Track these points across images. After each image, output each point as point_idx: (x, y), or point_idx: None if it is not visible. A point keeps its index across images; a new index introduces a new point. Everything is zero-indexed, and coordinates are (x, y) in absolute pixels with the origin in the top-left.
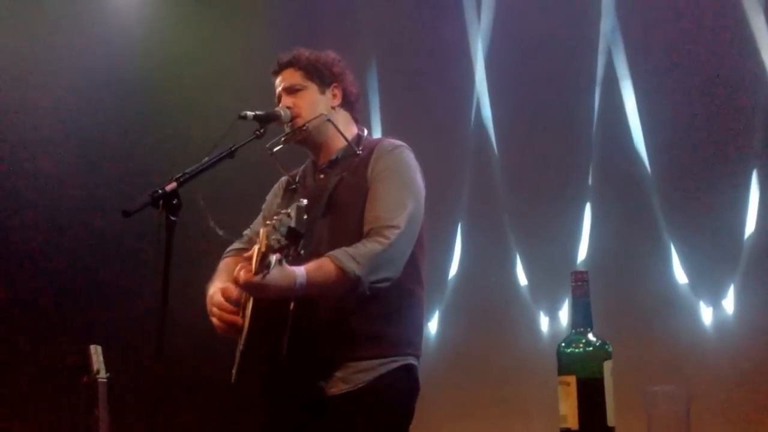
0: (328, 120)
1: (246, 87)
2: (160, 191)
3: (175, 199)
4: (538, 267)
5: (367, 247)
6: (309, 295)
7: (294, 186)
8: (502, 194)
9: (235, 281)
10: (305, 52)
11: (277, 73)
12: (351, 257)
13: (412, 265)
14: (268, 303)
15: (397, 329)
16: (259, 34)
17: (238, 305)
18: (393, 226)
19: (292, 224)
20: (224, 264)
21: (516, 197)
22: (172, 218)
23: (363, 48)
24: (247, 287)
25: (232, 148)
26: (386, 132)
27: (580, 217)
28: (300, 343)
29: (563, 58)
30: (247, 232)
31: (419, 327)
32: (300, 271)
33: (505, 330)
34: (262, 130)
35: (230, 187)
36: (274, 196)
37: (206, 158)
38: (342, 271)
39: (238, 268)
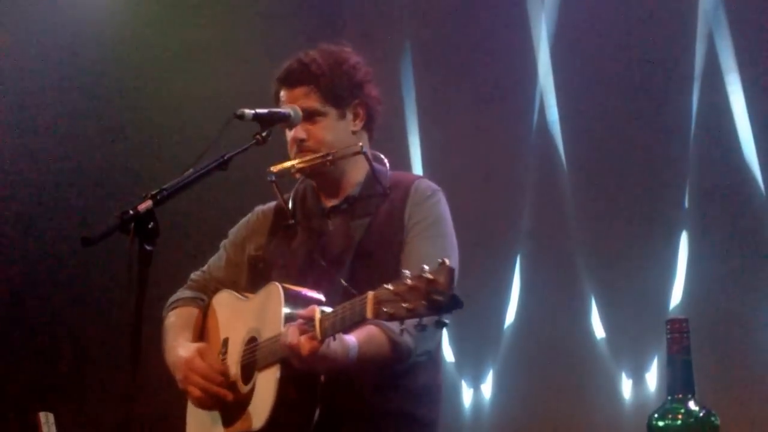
0: (363, 153)
1: (245, 80)
2: (131, 212)
3: (152, 223)
4: (620, 314)
5: None
6: (354, 370)
7: (290, 223)
8: (573, 219)
9: (293, 346)
10: (322, 63)
11: (284, 84)
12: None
13: None
14: (296, 373)
15: (427, 408)
16: (260, 11)
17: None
18: None
19: (452, 291)
20: (177, 317)
21: (590, 223)
22: (147, 247)
23: (393, 31)
24: (310, 358)
25: (225, 157)
26: (425, 142)
27: (674, 250)
28: (329, 422)
29: (651, 46)
30: (197, 276)
31: (441, 402)
32: (352, 342)
33: (576, 396)
34: (264, 134)
35: (220, 205)
36: (249, 232)
37: (191, 170)
38: (394, 342)
39: (292, 330)
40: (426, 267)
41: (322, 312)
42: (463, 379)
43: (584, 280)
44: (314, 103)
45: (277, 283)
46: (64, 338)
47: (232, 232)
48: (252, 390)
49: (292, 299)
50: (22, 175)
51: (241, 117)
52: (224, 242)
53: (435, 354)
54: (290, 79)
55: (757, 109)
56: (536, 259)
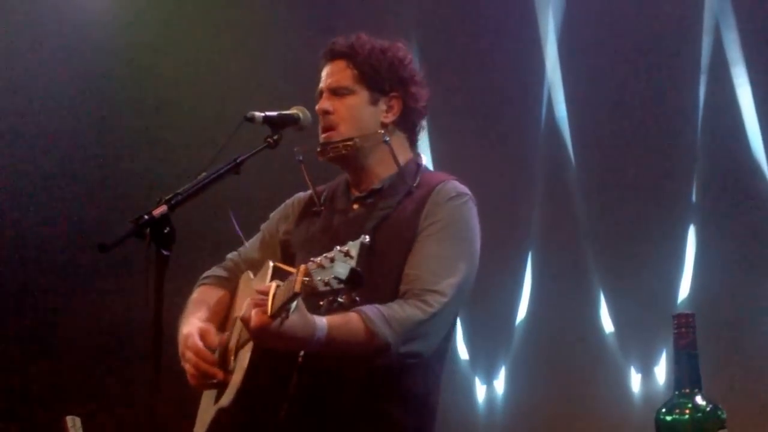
0: (385, 142)
1: (254, 85)
2: (146, 217)
3: (167, 228)
4: (629, 309)
5: (405, 312)
6: (323, 353)
7: (318, 209)
8: (582, 215)
9: (244, 321)
10: (367, 44)
11: (325, 57)
12: (385, 319)
13: (446, 338)
14: (272, 355)
15: (416, 416)
16: (268, 13)
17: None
18: (437, 292)
19: (354, 265)
20: (201, 294)
21: (600, 219)
22: (164, 252)
23: (400, 25)
24: (259, 333)
25: (238, 160)
26: (433, 137)
27: (682, 244)
28: (301, 413)
29: (658, 40)
30: (233, 255)
31: (435, 419)
32: (321, 323)
33: (586, 391)
34: (275, 137)
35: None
36: (283, 216)
37: (204, 174)
38: (371, 333)
39: (247, 304)
40: (350, 242)
41: (278, 286)
42: (477, 376)
43: (594, 275)
44: (347, 79)
45: (270, 262)
46: (85, 343)
47: (271, 215)
48: (234, 368)
49: (279, 277)
50: (37, 184)
51: (252, 120)
52: (263, 224)
53: (431, 362)
54: (333, 53)
55: (764, 102)
56: (546, 257)
